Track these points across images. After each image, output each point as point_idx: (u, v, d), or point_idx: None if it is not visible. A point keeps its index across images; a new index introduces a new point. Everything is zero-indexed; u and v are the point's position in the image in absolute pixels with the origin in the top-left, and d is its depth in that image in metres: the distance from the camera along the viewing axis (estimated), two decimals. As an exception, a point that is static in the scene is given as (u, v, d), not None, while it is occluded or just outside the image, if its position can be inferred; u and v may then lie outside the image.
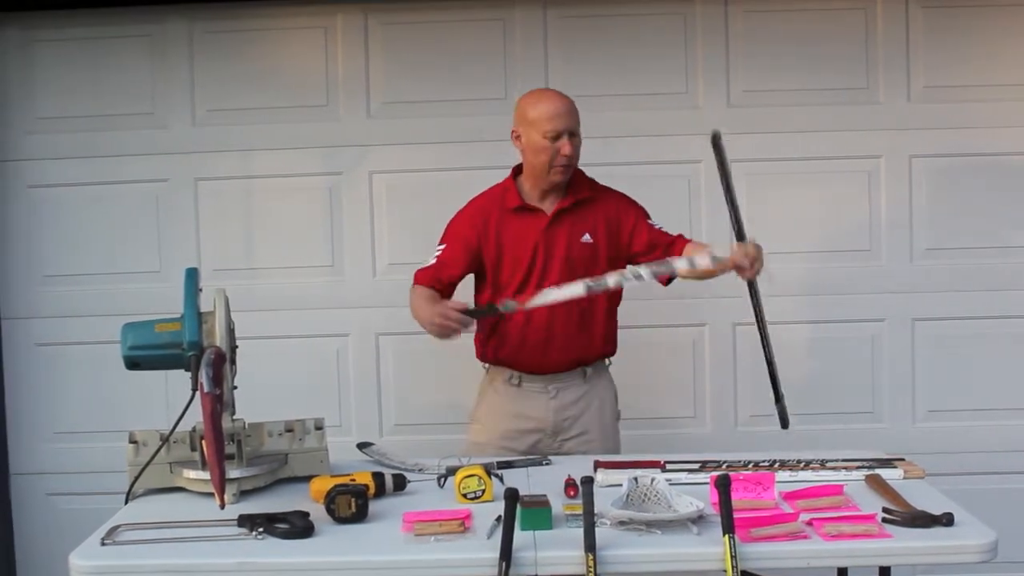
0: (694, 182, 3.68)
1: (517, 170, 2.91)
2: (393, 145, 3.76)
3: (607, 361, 2.96)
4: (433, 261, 2.84)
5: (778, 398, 2.76)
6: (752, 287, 2.70)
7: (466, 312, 2.65)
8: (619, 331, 2.96)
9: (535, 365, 2.86)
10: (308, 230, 3.79)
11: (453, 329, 2.64)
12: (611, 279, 2.63)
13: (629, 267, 2.67)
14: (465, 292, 2.93)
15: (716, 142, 2.66)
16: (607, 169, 3.09)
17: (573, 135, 2.76)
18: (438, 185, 3.69)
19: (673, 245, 2.81)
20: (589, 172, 2.92)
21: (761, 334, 2.72)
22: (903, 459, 2.51)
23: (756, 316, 2.71)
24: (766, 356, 2.74)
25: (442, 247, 2.86)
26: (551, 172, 2.77)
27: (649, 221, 2.87)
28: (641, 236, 2.83)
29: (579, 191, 2.85)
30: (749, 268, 2.63)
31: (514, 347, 2.85)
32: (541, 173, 2.80)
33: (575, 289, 2.62)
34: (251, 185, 3.79)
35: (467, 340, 2.93)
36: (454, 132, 3.73)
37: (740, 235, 2.67)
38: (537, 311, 2.75)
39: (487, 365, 2.96)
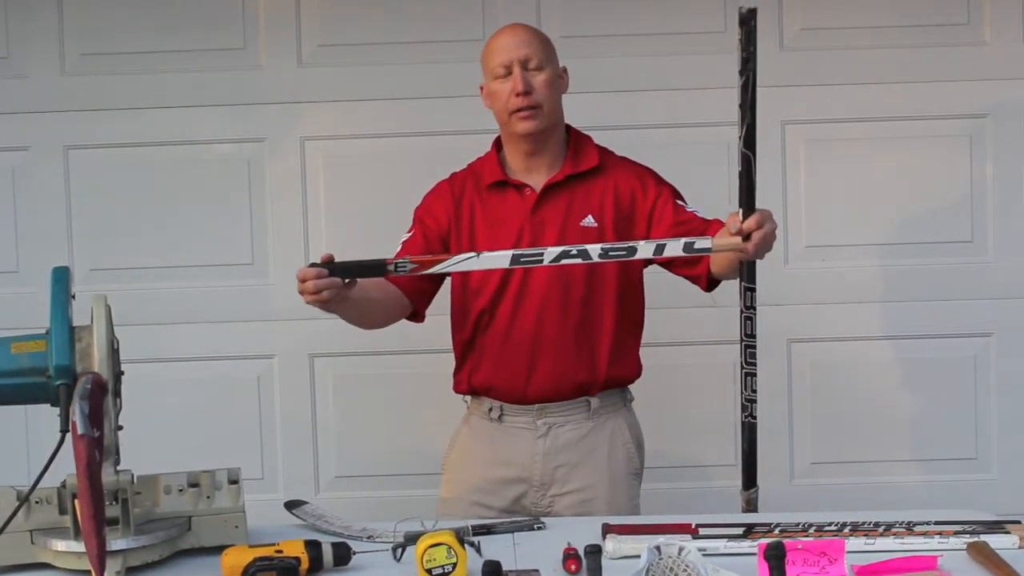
0: (736, 151, 3.68)
1: (500, 139, 2.93)
2: (332, 102, 3.76)
3: (627, 392, 2.96)
4: (397, 251, 2.85)
5: (750, 481, 2.78)
6: (751, 273, 2.70)
7: (331, 267, 2.52)
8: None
9: (518, 391, 2.86)
10: (219, 216, 3.79)
11: (315, 293, 2.52)
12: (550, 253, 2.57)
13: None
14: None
15: (747, 21, 2.48)
16: (617, 134, 3.07)
17: (532, 67, 2.77)
18: (392, 155, 3.70)
19: (708, 232, 2.80)
20: (597, 139, 2.93)
21: (744, 363, 2.71)
22: (1018, 521, 2.51)
23: (743, 332, 2.72)
24: (744, 400, 2.72)
25: (408, 234, 2.89)
26: (511, 121, 2.79)
27: (678, 201, 2.86)
28: (664, 219, 2.82)
29: (579, 160, 2.85)
30: (757, 236, 2.49)
31: (493, 365, 2.86)
32: (505, 129, 2.84)
33: (498, 260, 2.61)
34: (141, 156, 3.78)
35: (443, 366, 2.93)
36: (414, 85, 3.74)
37: (750, 191, 2.59)
38: (522, 314, 2.77)
39: (467, 398, 2.96)
